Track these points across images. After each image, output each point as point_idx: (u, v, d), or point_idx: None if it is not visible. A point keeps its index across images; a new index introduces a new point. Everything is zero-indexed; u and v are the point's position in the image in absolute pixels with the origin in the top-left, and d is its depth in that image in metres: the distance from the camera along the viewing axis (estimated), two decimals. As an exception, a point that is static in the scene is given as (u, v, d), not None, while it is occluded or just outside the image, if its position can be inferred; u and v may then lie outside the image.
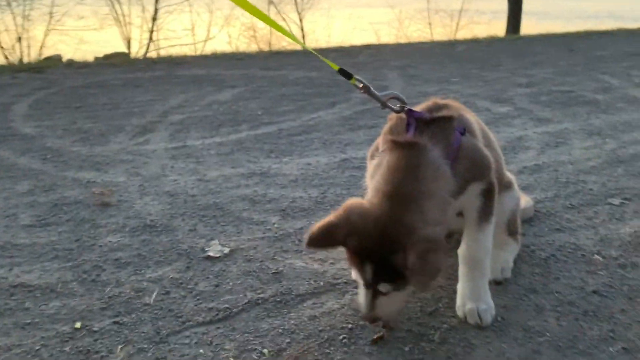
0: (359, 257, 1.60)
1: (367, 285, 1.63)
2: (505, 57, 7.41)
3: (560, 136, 3.81)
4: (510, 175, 2.22)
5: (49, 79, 6.41)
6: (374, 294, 1.63)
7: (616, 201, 2.71)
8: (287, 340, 1.74)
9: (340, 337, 1.75)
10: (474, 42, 9.21)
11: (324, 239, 1.61)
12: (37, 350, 1.73)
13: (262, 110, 4.74)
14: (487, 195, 1.82)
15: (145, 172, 3.29)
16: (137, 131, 4.18)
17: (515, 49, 8.21)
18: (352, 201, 1.67)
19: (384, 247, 1.55)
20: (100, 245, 2.38)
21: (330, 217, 1.63)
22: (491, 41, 9.31)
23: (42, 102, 5.20)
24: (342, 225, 1.59)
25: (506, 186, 2.11)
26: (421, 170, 1.65)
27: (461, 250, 1.87)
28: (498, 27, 12.76)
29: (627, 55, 7.14)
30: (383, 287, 1.60)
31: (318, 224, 1.61)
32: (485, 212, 1.83)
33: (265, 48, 8.88)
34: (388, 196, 1.61)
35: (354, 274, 1.68)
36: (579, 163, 3.27)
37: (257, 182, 3.10)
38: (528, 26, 13.28)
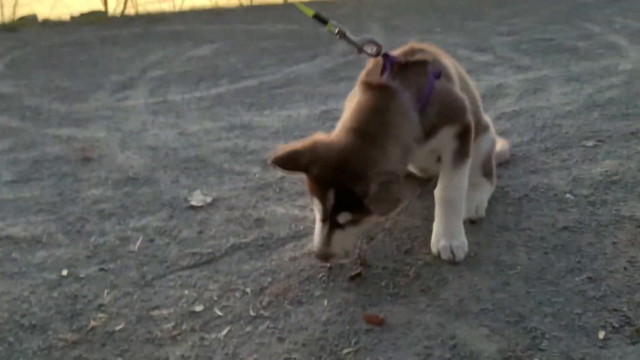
0: (320, 185, 1.65)
1: (325, 219, 1.69)
2: (488, 7, 7.35)
3: (539, 83, 3.84)
4: (487, 119, 2.26)
5: (24, 38, 6.28)
6: (330, 228, 1.69)
7: (590, 143, 2.77)
8: (269, 279, 1.81)
9: (320, 275, 1.82)
10: (457, -7, 9.09)
11: (288, 162, 1.67)
12: (26, 296, 1.78)
13: (242, 65, 4.71)
14: (463, 137, 1.87)
15: (125, 127, 3.28)
16: (116, 88, 4.15)
17: (498, -2, 8.13)
18: (318, 134, 1.74)
19: (346, 176, 1.61)
20: (84, 199, 2.41)
21: (296, 143, 1.69)
22: (474, -9, 9.19)
23: (18, 62, 5.11)
24: (307, 154, 1.65)
25: (483, 129, 2.16)
26: (389, 115, 1.71)
27: (437, 191, 1.93)
28: (482, -23, 12.54)
29: (611, 2, 7.11)
30: (342, 217, 1.66)
31: (284, 146, 1.68)
32: (460, 154, 1.88)
33: (245, 2, 8.70)
34: (353, 132, 1.68)
35: (314, 206, 1.73)
36: (556, 108, 3.32)
37: (238, 134, 3.12)
38: (512, -25, 13.06)
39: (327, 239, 1.70)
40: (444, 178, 1.91)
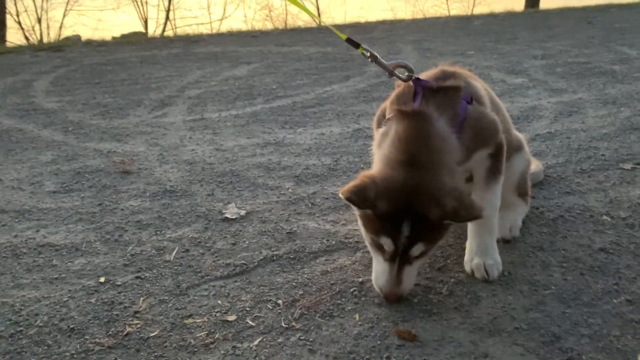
0: (391, 220, 1.61)
1: (394, 257, 1.65)
2: (522, 30, 7.33)
3: (575, 105, 3.80)
4: (520, 138, 2.25)
5: (68, 57, 6.53)
6: (400, 265, 1.66)
7: (628, 166, 2.72)
8: (300, 292, 1.82)
9: (351, 289, 1.82)
10: (491, 17, 9.11)
11: (358, 196, 1.60)
12: (65, 301, 1.83)
13: (276, 85, 4.79)
14: (496, 156, 1.86)
15: (164, 142, 3.37)
16: (155, 105, 4.27)
17: (533, 22, 8.11)
18: (366, 172, 1.70)
19: (420, 202, 1.58)
20: (122, 209, 2.48)
21: (356, 180, 1.65)
22: (508, 15, 9.21)
23: (62, 79, 5.32)
24: (371, 188, 1.60)
25: (516, 148, 2.15)
26: (431, 140, 1.68)
27: None
28: (516, 2, 12.55)
29: (648, 27, 7.02)
30: (417, 249, 1.63)
31: (351, 182, 1.63)
32: (493, 172, 1.87)
33: (280, 26, 8.89)
34: (404, 164, 1.63)
35: (376, 248, 1.69)
36: (592, 130, 3.27)
37: (272, 151, 3.17)
38: (547, 0, 13.03)
39: (397, 278, 1.67)
40: (477, 196, 1.90)
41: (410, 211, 1.59)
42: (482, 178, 1.88)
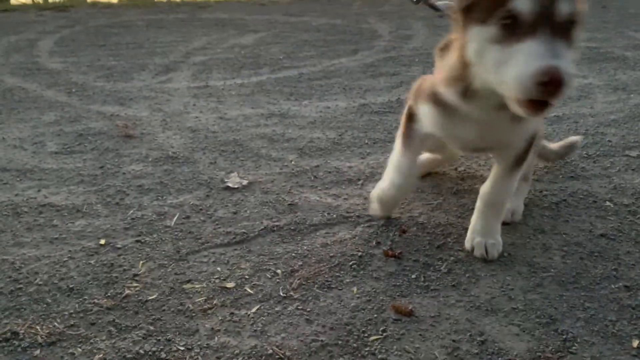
0: None
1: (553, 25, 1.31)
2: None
3: (584, 90, 3.76)
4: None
5: (73, 17, 6.45)
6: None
7: (634, 153, 2.70)
8: (300, 263, 1.82)
9: (350, 263, 1.82)
10: (504, -4, 8.94)
11: None
12: (65, 261, 1.84)
13: (283, 55, 4.73)
14: (529, 142, 1.80)
15: (167, 108, 3.35)
16: (159, 70, 4.23)
17: (546, 4, 7.98)
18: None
19: None
20: (124, 173, 2.47)
21: None
22: (521, -4, 9.03)
23: (67, 40, 5.26)
24: None
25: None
26: None
27: (484, 188, 1.89)
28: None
29: (662, 14, 6.90)
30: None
31: None
32: (520, 158, 1.81)
33: (289, -5, 8.75)
34: None
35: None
36: (600, 116, 3.24)
37: (276, 122, 3.14)
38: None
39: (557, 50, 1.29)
40: (496, 180, 1.86)
41: None
42: (508, 162, 1.82)
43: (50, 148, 2.75)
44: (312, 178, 2.44)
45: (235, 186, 2.34)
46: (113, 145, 2.78)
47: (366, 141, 2.85)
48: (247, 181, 2.39)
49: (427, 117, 1.79)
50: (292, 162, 2.60)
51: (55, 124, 3.07)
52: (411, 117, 1.90)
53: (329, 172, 2.49)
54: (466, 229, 1.94)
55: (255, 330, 1.53)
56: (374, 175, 2.42)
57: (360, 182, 2.39)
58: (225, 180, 2.40)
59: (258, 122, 3.13)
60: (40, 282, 1.73)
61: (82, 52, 4.77)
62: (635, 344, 1.49)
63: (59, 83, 3.85)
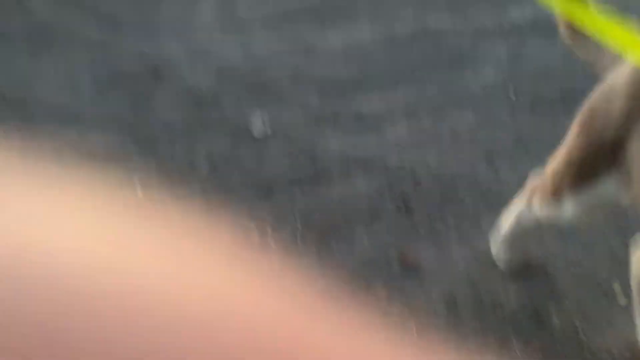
0: None
1: None
2: None
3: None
4: None
5: None
6: None
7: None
8: (317, 215, 1.96)
9: (363, 215, 1.95)
10: None
11: None
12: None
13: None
14: None
15: (195, 44, 3.38)
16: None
17: None
18: None
19: None
20: (155, 118, 2.59)
21: None
22: None
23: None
24: None
25: None
26: None
27: None
28: None
29: None
30: None
31: None
32: None
33: None
34: None
35: None
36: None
37: (302, 58, 3.15)
38: None
39: None
40: None
41: None
42: None
43: (82, 90, 2.87)
44: (333, 123, 2.51)
45: (260, 136, 2.43)
46: (143, 87, 2.88)
47: (390, 79, 2.86)
48: (270, 130, 2.47)
49: None
50: (315, 106, 2.66)
51: (90, 62, 3.17)
52: None
53: (350, 117, 2.55)
54: (479, 181, 2.01)
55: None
56: (395, 119, 2.47)
57: (382, 128, 2.45)
58: (250, 128, 2.49)
59: (281, 58, 3.15)
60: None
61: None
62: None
63: (86, 14, 3.89)
